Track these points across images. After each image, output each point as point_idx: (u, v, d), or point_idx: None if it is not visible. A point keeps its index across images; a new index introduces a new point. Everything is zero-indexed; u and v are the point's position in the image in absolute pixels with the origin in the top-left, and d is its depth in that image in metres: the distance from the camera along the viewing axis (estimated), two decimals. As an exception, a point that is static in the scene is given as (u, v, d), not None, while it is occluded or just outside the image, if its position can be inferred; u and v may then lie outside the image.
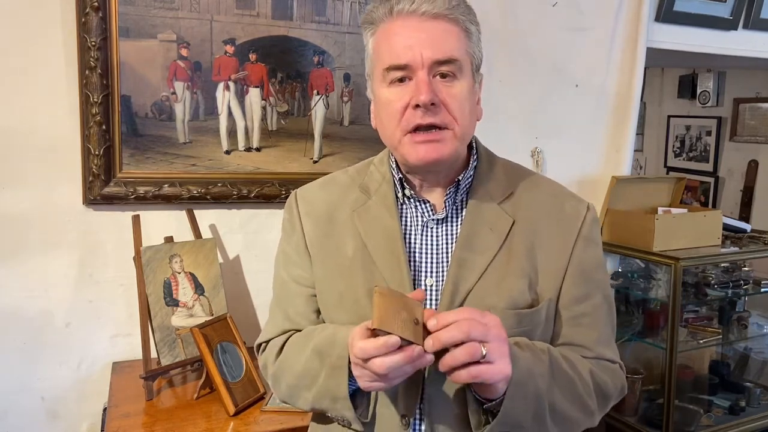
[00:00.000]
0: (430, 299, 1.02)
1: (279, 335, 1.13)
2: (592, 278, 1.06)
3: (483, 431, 0.92)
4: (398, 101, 0.96)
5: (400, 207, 1.07)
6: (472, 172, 1.06)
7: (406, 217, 1.06)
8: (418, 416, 0.99)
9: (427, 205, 1.04)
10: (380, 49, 0.99)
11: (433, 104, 0.94)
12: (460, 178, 1.04)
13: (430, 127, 0.95)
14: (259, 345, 1.17)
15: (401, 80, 0.96)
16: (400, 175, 1.06)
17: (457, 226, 1.04)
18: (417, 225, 1.05)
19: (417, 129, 0.96)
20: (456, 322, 0.84)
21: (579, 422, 1.00)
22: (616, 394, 1.06)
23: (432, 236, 1.04)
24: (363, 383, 0.90)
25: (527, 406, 0.90)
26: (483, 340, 0.84)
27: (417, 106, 0.94)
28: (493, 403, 0.90)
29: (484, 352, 0.83)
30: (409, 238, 1.05)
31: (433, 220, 1.05)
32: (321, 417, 1.10)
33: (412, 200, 1.06)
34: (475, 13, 1.01)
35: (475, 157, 1.08)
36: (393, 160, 1.07)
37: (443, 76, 0.96)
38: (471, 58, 0.99)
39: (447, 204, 1.04)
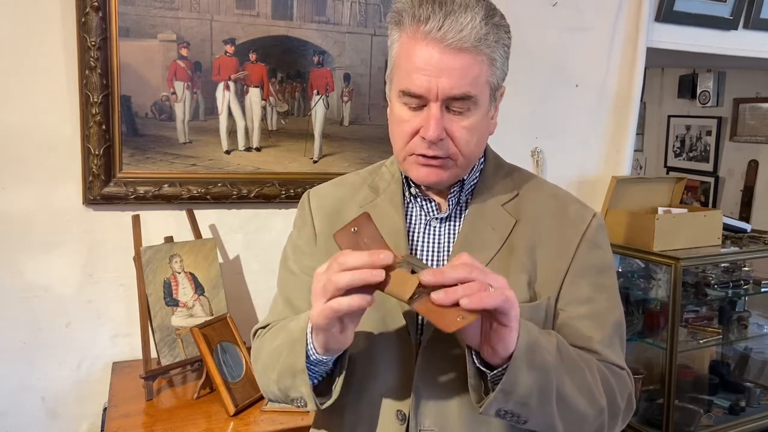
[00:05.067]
0: None
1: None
2: (596, 282, 1.04)
3: (486, 401, 0.86)
4: (408, 124, 0.96)
5: (406, 205, 1.08)
6: (477, 174, 1.07)
7: (411, 215, 1.07)
8: (409, 411, 0.99)
9: (432, 203, 1.05)
10: (400, 64, 0.96)
11: (441, 139, 0.94)
12: (465, 178, 1.04)
13: (434, 157, 0.97)
14: (255, 331, 1.17)
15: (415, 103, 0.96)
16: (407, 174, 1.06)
17: (459, 225, 1.05)
18: (421, 223, 1.06)
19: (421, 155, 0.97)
20: (456, 264, 0.82)
21: (587, 418, 0.93)
22: (624, 404, 1.00)
23: (434, 234, 1.05)
24: (317, 306, 0.86)
25: (534, 378, 0.85)
26: (486, 277, 0.82)
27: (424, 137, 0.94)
28: (496, 372, 0.86)
29: (491, 289, 0.81)
30: (413, 236, 1.06)
31: (436, 218, 1.05)
32: (319, 421, 1.11)
33: (417, 199, 1.06)
34: (506, 28, 0.97)
35: (482, 159, 1.08)
36: None
37: (457, 106, 0.95)
38: (490, 87, 0.97)
39: (450, 203, 1.05)
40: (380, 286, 0.83)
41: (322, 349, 0.91)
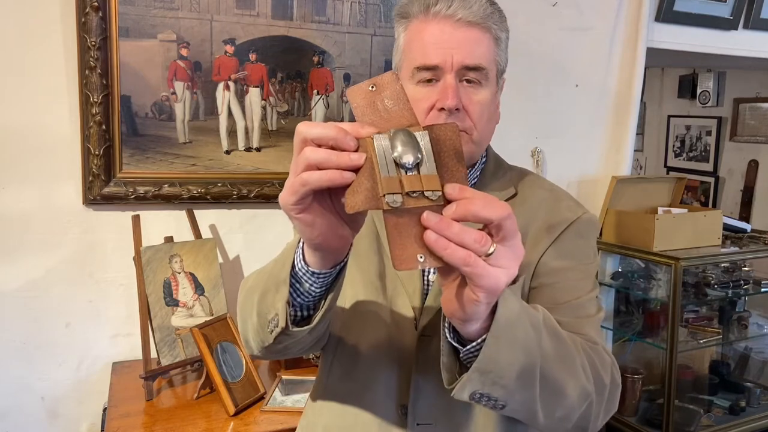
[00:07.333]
0: (428, 287, 1.04)
1: None
2: (575, 265, 1.01)
3: (459, 381, 0.75)
4: (424, 101, 0.98)
5: None
6: (478, 172, 1.09)
7: None
8: (408, 404, 1.00)
9: None
10: (412, 46, 1.00)
11: (457, 109, 0.96)
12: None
13: None
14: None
15: (429, 80, 0.98)
16: None
17: None
18: None
19: None
20: (494, 200, 0.68)
21: (573, 405, 0.83)
22: (609, 380, 0.90)
23: None
24: (287, 183, 0.75)
25: (513, 357, 0.74)
26: (503, 237, 0.68)
27: (442, 108, 0.96)
28: (471, 347, 0.75)
29: (492, 249, 0.67)
30: None
31: None
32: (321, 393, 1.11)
33: None
34: (506, 17, 1.03)
35: (483, 159, 1.10)
36: None
37: (469, 81, 0.98)
38: (497, 66, 1.02)
39: None
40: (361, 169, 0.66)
41: (310, 252, 0.80)
